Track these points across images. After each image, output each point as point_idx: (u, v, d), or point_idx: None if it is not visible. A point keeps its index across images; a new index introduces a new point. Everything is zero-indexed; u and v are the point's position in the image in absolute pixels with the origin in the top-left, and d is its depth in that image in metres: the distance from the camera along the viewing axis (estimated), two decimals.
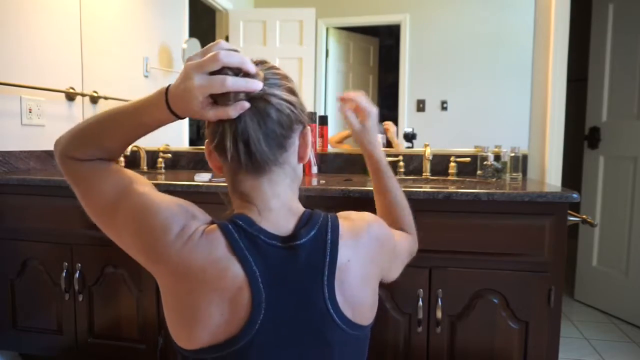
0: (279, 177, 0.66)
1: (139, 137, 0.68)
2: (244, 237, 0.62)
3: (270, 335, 0.60)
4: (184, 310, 0.61)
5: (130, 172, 0.70)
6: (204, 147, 0.70)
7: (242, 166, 0.64)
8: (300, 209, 0.69)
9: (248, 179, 0.66)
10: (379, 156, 0.92)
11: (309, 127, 0.70)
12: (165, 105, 0.61)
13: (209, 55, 0.58)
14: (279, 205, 0.66)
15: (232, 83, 0.58)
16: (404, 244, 0.86)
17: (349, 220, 0.70)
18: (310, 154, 0.73)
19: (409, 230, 0.94)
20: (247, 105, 0.60)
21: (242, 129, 0.61)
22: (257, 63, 0.65)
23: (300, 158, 0.70)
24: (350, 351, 0.67)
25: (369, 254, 0.69)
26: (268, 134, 0.63)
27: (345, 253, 0.65)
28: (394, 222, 0.92)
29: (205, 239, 0.61)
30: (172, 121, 0.64)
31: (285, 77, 0.67)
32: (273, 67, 0.67)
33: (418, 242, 0.97)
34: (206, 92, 0.58)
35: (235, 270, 0.59)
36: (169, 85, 0.61)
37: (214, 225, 0.63)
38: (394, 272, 0.83)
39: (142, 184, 0.68)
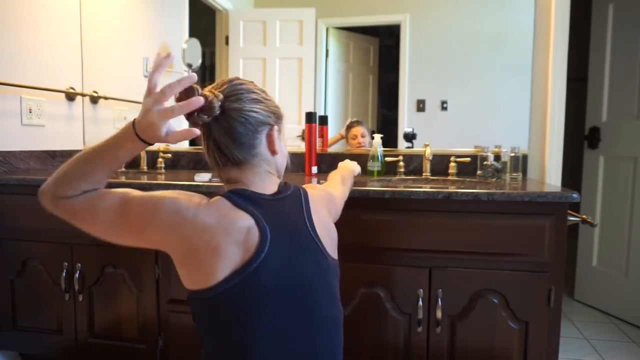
0: (256, 167, 0.84)
1: (116, 170, 0.82)
2: (242, 198, 0.79)
3: (276, 256, 0.76)
4: (203, 256, 0.74)
5: (117, 188, 0.83)
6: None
7: (224, 163, 0.83)
8: (277, 182, 0.88)
9: (233, 170, 0.83)
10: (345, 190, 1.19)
11: (275, 127, 0.85)
12: (137, 138, 0.76)
13: (159, 90, 0.79)
14: (259, 180, 0.84)
15: (178, 108, 0.77)
16: (337, 194, 1.09)
17: (311, 187, 0.95)
18: (281, 147, 0.89)
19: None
20: (195, 132, 0.77)
21: (214, 140, 0.81)
22: (223, 83, 0.84)
23: (272, 152, 0.86)
24: (332, 275, 0.85)
25: (324, 204, 0.94)
26: (235, 140, 0.80)
27: (313, 200, 0.88)
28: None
29: (212, 205, 0.77)
30: (143, 149, 0.79)
31: (248, 90, 0.83)
32: (237, 84, 0.83)
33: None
34: (165, 120, 0.75)
35: (243, 217, 0.76)
36: (134, 120, 0.77)
37: (216, 197, 0.79)
38: (338, 210, 1.05)
39: (134, 191, 0.81)
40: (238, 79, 0.85)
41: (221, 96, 0.81)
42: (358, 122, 1.99)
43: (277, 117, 0.87)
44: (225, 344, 0.76)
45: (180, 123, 0.82)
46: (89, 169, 0.79)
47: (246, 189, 0.81)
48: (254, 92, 0.84)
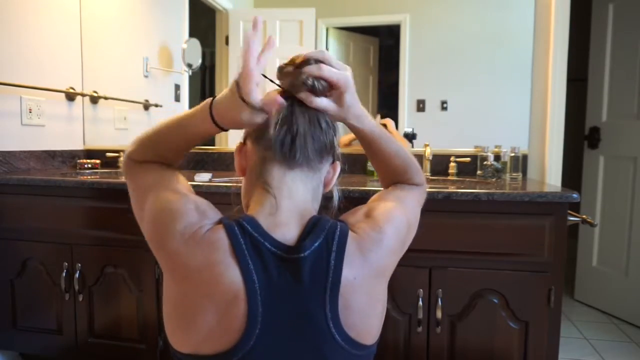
0: (306, 177, 0.67)
1: (191, 147, 0.75)
2: (248, 241, 0.59)
3: (267, 352, 0.57)
4: (180, 312, 0.61)
5: (177, 175, 0.74)
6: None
7: (277, 155, 0.65)
8: (310, 213, 0.67)
9: (276, 168, 0.66)
10: (370, 126, 0.75)
11: (338, 163, 0.73)
12: (210, 119, 0.65)
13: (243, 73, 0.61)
14: (291, 206, 0.65)
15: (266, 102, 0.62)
16: (413, 207, 0.80)
17: (358, 228, 0.66)
18: (335, 190, 0.74)
19: (420, 181, 0.85)
20: (282, 102, 0.62)
21: (294, 122, 0.64)
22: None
23: (326, 185, 0.72)
24: None
25: (378, 268, 0.64)
26: (314, 137, 0.66)
27: (351, 270, 0.60)
28: (407, 181, 0.84)
29: (208, 238, 0.60)
30: (218, 132, 0.68)
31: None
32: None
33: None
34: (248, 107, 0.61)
35: (233, 276, 0.57)
36: (214, 98, 0.65)
37: (219, 225, 0.61)
38: (412, 233, 0.77)
39: (178, 182, 0.72)
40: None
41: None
42: None
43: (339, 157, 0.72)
44: None
45: None
46: (163, 141, 0.73)
47: (261, 225, 0.61)
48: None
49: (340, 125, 0.73)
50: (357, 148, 1.98)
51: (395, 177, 0.84)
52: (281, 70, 0.68)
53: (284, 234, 0.62)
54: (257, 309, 0.57)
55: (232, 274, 0.57)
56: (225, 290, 0.57)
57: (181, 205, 0.65)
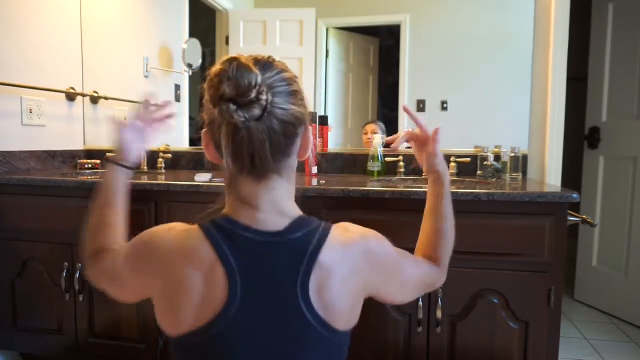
0: (277, 183, 0.67)
1: (120, 212, 0.92)
2: (222, 232, 0.64)
3: (244, 323, 0.61)
4: (166, 295, 0.65)
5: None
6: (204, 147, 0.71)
7: (242, 172, 0.65)
8: (295, 212, 0.69)
9: (247, 183, 0.66)
10: (446, 181, 0.91)
11: (309, 127, 0.70)
12: (119, 167, 0.85)
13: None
14: (270, 208, 0.66)
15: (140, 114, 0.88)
16: (414, 270, 0.82)
17: (345, 230, 0.70)
18: (309, 152, 0.73)
19: (439, 260, 0.88)
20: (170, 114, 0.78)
21: (248, 139, 0.61)
22: (264, 63, 0.63)
23: (300, 156, 0.70)
24: (324, 352, 0.66)
25: (355, 266, 0.67)
26: (273, 145, 0.62)
27: (329, 257, 0.64)
28: (427, 248, 0.89)
29: (183, 232, 0.66)
30: (128, 177, 0.91)
31: (290, 79, 0.65)
32: (280, 70, 0.64)
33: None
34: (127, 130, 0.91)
35: (209, 252, 0.62)
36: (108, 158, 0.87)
37: (194, 225, 0.66)
38: (396, 295, 0.79)
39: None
40: (272, 59, 0.66)
41: (259, 77, 0.61)
42: (373, 121, 2.01)
43: (309, 115, 0.70)
44: None
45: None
46: (101, 225, 0.86)
47: (236, 220, 0.65)
48: (295, 81, 0.67)
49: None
50: (358, 148, 1.97)
51: (425, 238, 0.90)
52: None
53: (266, 227, 0.65)
54: (236, 284, 0.61)
55: (207, 251, 0.63)
56: (202, 264, 0.62)
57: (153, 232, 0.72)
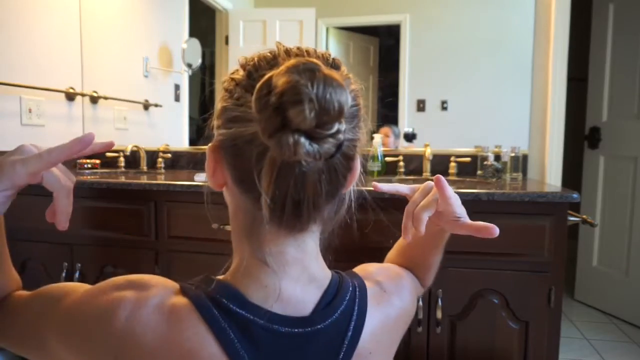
0: (312, 236, 0.49)
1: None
2: (230, 318, 0.44)
3: None
4: None
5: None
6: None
7: (275, 221, 0.44)
8: (326, 274, 0.50)
9: (275, 237, 0.46)
10: (447, 237, 0.70)
11: (359, 157, 0.48)
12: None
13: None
14: (298, 273, 0.47)
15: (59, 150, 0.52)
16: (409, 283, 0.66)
17: (379, 294, 0.54)
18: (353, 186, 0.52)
19: (428, 284, 0.74)
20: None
21: (301, 182, 0.41)
22: (345, 77, 0.45)
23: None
24: None
25: (394, 340, 0.56)
26: (327, 193, 0.44)
27: (369, 340, 0.49)
28: (423, 275, 0.72)
29: (165, 315, 0.43)
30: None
31: (358, 96, 0.48)
32: (351, 83, 0.46)
33: None
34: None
35: (212, 352, 0.42)
36: None
37: (184, 300, 0.44)
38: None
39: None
40: (339, 61, 0.49)
41: (349, 98, 0.40)
42: (388, 125, 1.99)
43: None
44: None
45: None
46: None
47: (245, 296, 0.45)
48: (359, 99, 0.48)
49: None
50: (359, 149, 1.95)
51: (417, 263, 0.72)
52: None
53: (294, 306, 0.46)
54: None
55: (212, 350, 0.43)
56: None
57: (101, 298, 0.48)
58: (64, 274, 1.53)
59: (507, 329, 1.27)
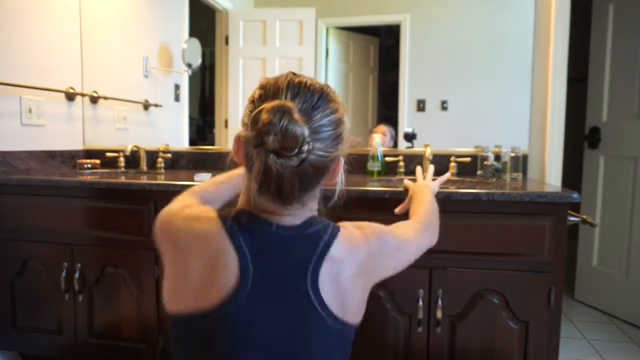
0: (299, 210, 0.69)
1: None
2: (240, 224, 0.67)
3: (250, 312, 0.64)
4: (177, 272, 0.68)
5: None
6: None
7: (266, 197, 0.67)
8: (310, 213, 0.72)
9: (268, 204, 0.68)
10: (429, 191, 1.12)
11: (342, 159, 0.71)
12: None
13: None
14: (288, 213, 0.69)
15: None
16: (412, 249, 0.86)
17: (350, 232, 0.72)
18: (338, 180, 0.73)
19: (422, 222, 0.96)
20: None
21: (278, 177, 0.62)
22: (317, 101, 0.64)
23: (326, 184, 0.71)
24: (331, 343, 0.69)
25: (362, 266, 0.71)
26: (302, 184, 0.65)
27: (339, 252, 0.68)
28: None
29: (204, 219, 0.69)
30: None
31: (338, 121, 0.66)
32: (332, 111, 0.66)
33: None
34: None
35: (222, 241, 0.65)
36: None
37: (214, 214, 0.70)
38: (395, 271, 0.83)
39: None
40: (327, 91, 0.67)
41: (307, 132, 0.61)
42: (385, 124, 2.00)
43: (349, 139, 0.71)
44: None
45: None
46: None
47: (252, 213, 0.68)
48: (341, 123, 0.67)
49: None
50: (358, 148, 1.97)
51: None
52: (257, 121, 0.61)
53: (284, 222, 0.68)
54: (248, 269, 0.64)
55: (223, 239, 0.65)
56: (217, 251, 0.65)
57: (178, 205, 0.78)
58: (64, 274, 1.54)
59: (507, 329, 1.27)
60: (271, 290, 0.65)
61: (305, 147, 0.60)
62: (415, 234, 0.88)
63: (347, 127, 0.69)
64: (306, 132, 0.60)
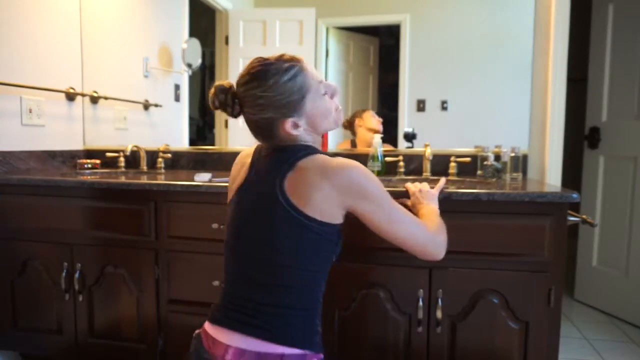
0: (280, 140, 0.95)
1: None
2: (257, 149, 1.02)
3: (243, 201, 0.96)
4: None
5: None
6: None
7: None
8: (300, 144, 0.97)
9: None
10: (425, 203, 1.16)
11: (289, 120, 0.91)
12: None
13: None
14: (283, 142, 0.96)
15: None
16: (407, 219, 0.95)
17: (335, 158, 0.90)
18: (315, 110, 0.97)
19: (431, 228, 1.02)
20: None
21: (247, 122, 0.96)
22: (250, 76, 0.91)
23: (288, 136, 0.93)
24: (293, 232, 0.88)
25: (333, 184, 0.87)
26: (257, 131, 0.96)
27: (307, 164, 0.89)
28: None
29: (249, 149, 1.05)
30: None
31: (255, 97, 0.90)
32: (251, 86, 0.90)
33: None
34: None
35: (249, 159, 1.00)
36: None
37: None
38: (385, 230, 0.93)
39: None
40: (263, 69, 0.90)
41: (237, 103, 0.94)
42: (363, 110, 1.98)
43: (293, 104, 0.91)
44: None
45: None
46: None
47: (263, 145, 1.00)
48: (263, 93, 0.90)
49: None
50: (358, 148, 1.97)
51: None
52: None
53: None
54: (249, 175, 0.97)
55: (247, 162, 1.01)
56: (246, 165, 1.00)
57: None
58: (64, 274, 1.54)
59: (507, 329, 1.27)
60: (255, 189, 0.94)
61: (230, 109, 0.94)
62: (423, 225, 1.00)
63: (275, 89, 0.90)
64: (228, 97, 0.94)
